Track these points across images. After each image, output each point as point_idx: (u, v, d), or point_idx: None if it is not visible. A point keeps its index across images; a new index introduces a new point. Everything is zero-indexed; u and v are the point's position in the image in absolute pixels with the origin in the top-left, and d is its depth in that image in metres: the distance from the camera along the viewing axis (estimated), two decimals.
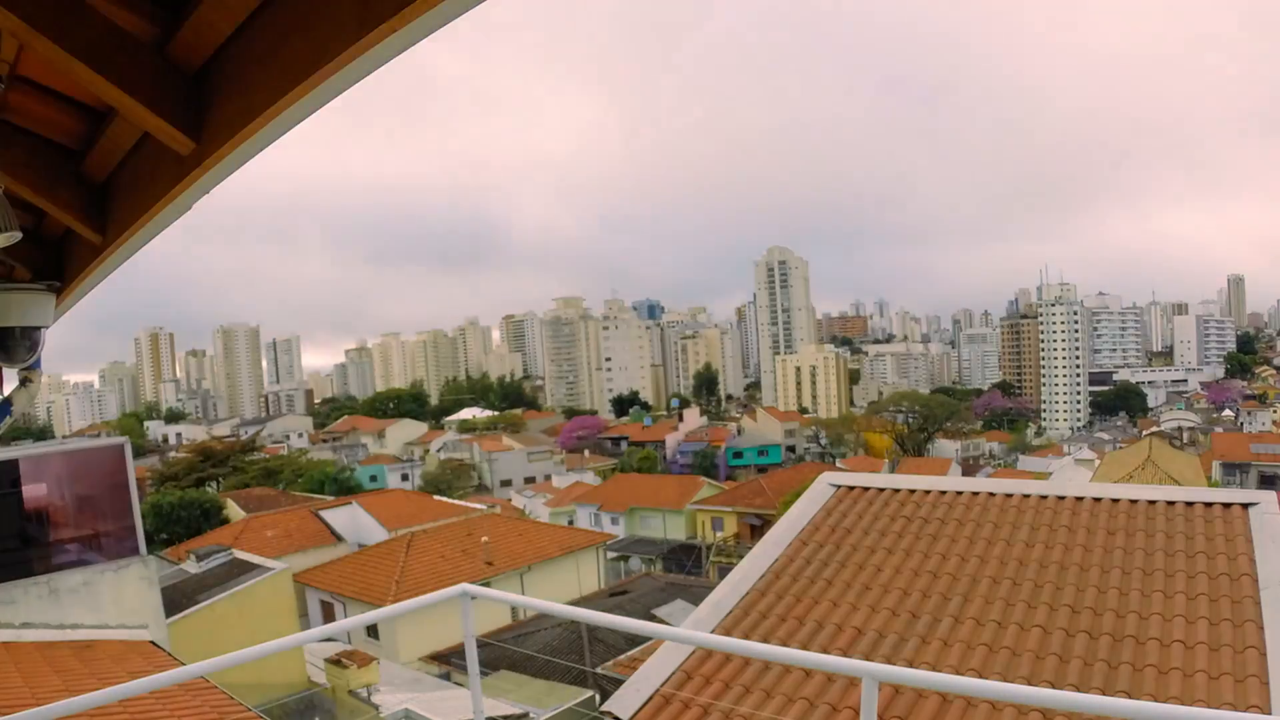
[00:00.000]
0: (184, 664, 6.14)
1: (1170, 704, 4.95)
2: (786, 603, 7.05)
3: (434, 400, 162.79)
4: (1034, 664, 5.70)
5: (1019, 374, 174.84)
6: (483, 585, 5.87)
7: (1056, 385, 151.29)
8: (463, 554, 26.81)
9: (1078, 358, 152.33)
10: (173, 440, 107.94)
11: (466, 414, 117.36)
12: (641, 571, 36.42)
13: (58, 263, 4.64)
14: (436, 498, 41.33)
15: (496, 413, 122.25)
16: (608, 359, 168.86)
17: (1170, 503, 7.76)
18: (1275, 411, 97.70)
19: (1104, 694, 5.19)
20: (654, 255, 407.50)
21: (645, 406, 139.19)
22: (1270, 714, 4.79)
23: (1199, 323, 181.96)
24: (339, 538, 31.26)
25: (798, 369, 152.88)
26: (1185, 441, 76.24)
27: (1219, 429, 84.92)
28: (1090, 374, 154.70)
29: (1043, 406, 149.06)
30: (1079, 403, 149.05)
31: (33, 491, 8.87)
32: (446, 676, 19.36)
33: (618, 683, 9.43)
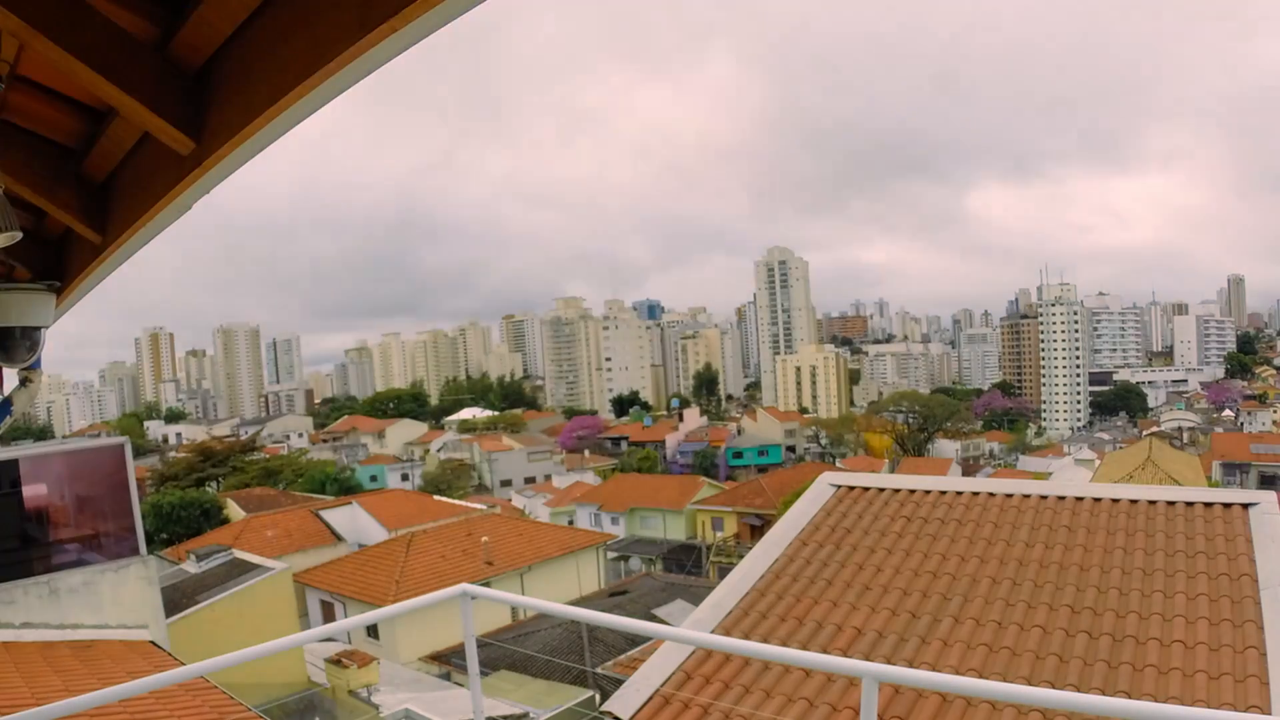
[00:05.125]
0: (184, 664, 6.15)
1: (1170, 704, 4.95)
2: (786, 603, 7.05)
3: (434, 400, 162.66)
4: (1034, 664, 5.70)
5: (1019, 374, 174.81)
6: (483, 585, 5.87)
7: (1056, 385, 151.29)
8: (463, 554, 26.79)
9: (1078, 358, 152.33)
10: (173, 440, 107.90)
11: (466, 414, 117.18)
12: (641, 571, 36.41)
13: (58, 263, 4.64)
14: (436, 498, 41.31)
15: (496, 413, 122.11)
16: (608, 359, 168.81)
17: (1170, 503, 7.76)
18: (1275, 411, 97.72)
19: (1104, 694, 5.19)
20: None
21: (645, 406, 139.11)
22: (1270, 714, 4.79)
23: (1199, 323, 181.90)
24: (339, 538, 31.24)
25: (798, 369, 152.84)
26: (1185, 441, 76.19)
27: (1219, 429, 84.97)
28: (1090, 374, 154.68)
29: (1043, 406, 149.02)
30: (1079, 403, 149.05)
31: (33, 491, 8.88)
32: (446, 676, 19.37)
33: (618, 683, 9.43)
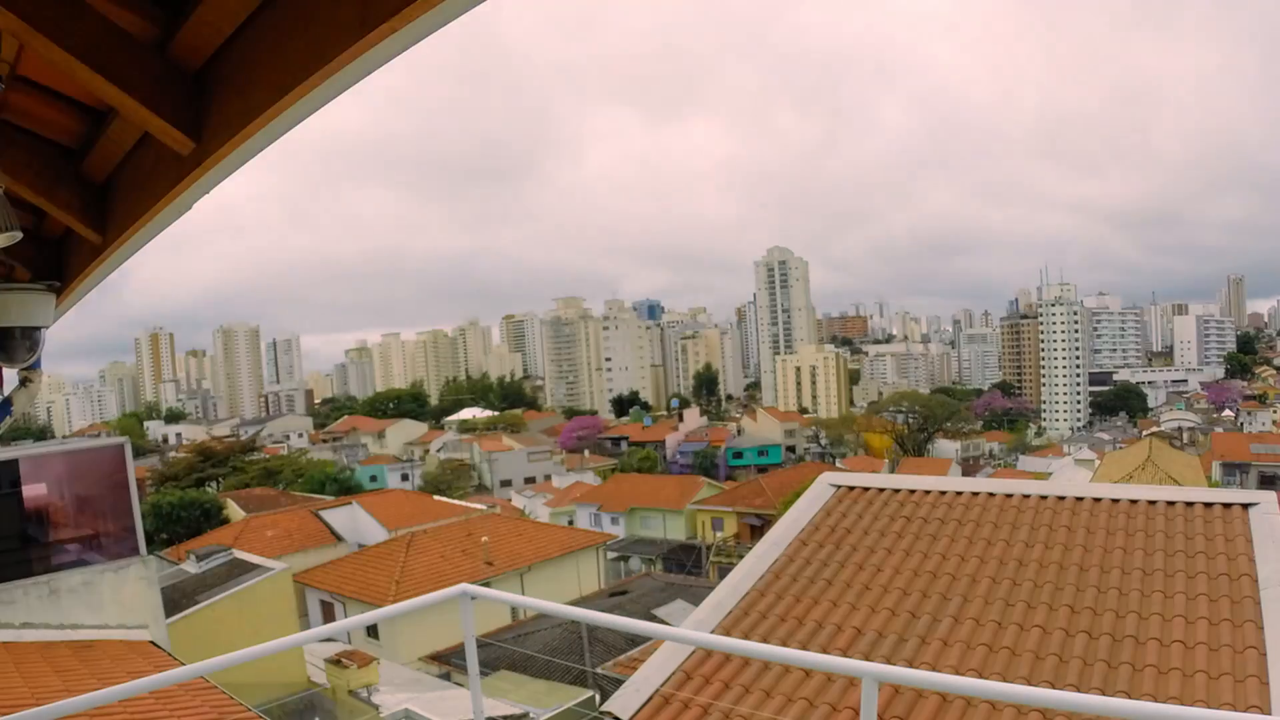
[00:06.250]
0: (184, 664, 6.15)
1: (1170, 704, 4.95)
2: (786, 603, 7.05)
3: (434, 400, 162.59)
4: (1033, 664, 5.70)
5: (1019, 374, 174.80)
6: (483, 585, 5.87)
7: (1056, 385, 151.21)
8: (463, 554, 26.79)
9: (1078, 358, 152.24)
10: (173, 440, 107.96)
11: (466, 414, 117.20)
12: (641, 571, 36.42)
13: (58, 263, 4.65)
14: (436, 498, 41.30)
15: (496, 413, 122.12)
16: (608, 359, 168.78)
17: (1170, 503, 7.76)
18: (1275, 411, 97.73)
19: (1103, 694, 5.20)
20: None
21: (645, 406, 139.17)
22: (1270, 714, 4.79)
23: (1199, 323, 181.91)
24: (339, 538, 31.23)
25: (798, 369, 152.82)
26: (1185, 441, 76.19)
27: (1219, 429, 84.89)
28: (1090, 374, 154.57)
29: (1043, 406, 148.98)
30: (1079, 403, 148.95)
31: (33, 491, 8.86)
32: (446, 676, 19.35)
33: (618, 683, 9.43)
